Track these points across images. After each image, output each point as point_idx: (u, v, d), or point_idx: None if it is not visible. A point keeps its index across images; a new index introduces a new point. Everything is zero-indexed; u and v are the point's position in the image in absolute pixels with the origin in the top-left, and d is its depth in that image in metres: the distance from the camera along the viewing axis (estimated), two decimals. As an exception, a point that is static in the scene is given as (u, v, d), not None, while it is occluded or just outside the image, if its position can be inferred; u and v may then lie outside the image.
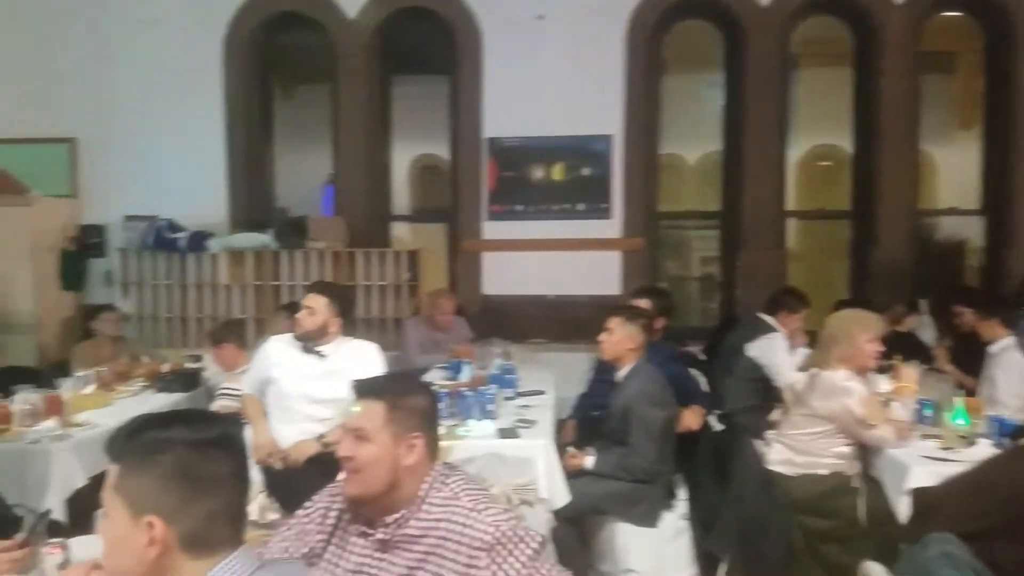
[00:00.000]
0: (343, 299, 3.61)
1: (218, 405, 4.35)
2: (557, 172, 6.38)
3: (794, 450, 3.45)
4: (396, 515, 1.78)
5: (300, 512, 1.92)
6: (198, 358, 5.18)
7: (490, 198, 6.42)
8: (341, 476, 1.92)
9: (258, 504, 3.22)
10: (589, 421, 4.13)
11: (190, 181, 6.38)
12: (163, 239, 6.21)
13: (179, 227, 6.27)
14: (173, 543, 1.23)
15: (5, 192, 6.15)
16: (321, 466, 3.14)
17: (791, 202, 6.70)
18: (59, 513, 3.48)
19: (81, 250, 6.32)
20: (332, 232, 6.27)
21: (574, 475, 3.56)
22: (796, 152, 7.10)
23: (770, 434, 3.63)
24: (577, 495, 3.49)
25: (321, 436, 3.42)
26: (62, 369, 5.13)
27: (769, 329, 4.69)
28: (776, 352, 4.53)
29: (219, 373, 4.71)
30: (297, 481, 3.30)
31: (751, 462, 3.43)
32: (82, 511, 3.52)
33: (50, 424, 3.74)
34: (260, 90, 6.67)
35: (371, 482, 1.78)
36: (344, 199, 6.56)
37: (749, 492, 3.37)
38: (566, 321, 6.08)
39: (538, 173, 6.39)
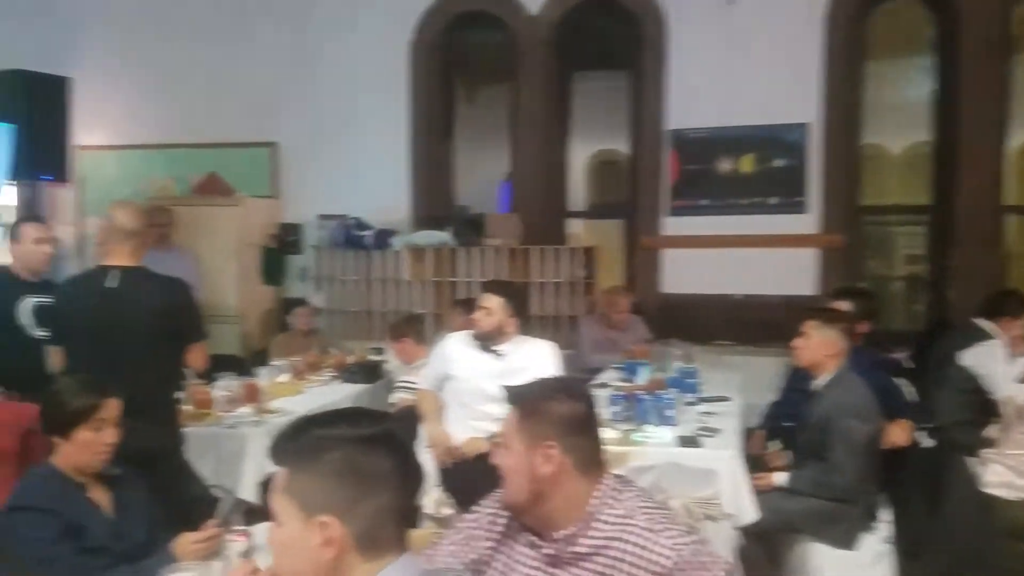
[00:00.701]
0: (518, 298, 3.58)
1: (396, 397, 4.46)
2: (746, 164, 6.04)
3: (1015, 471, 3.11)
4: (565, 531, 1.67)
5: (468, 517, 1.87)
6: (380, 351, 5.35)
7: (672, 192, 6.18)
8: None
9: (433, 498, 3.26)
10: (781, 432, 3.86)
11: (377, 181, 6.62)
12: (352, 237, 6.47)
13: (366, 225, 6.51)
14: (347, 543, 1.20)
15: (216, 193, 6.66)
16: (492, 465, 3.12)
17: (1010, 196, 5.99)
18: (251, 495, 3.67)
19: (280, 247, 6.72)
20: (508, 229, 6.28)
21: (764, 490, 3.32)
22: (1016, 141, 6.34)
23: (987, 453, 3.26)
24: (767, 511, 3.25)
25: (494, 435, 3.40)
26: (262, 358, 5.47)
27: (986, 335, 4.20)
28: (994, 361, 4.01)
29: (399, 366, 4.82)
30: (469, 477, 3.31)
31: (965, 483, 3.14)
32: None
33: (247, 410, 3.96)
34: (442, 91, 6.80)
35: (515, 491, 1.69)
36: (520, 196, 6.56)
37: (962, 517, 3.07)
38: (754, 322, 5.74)
39: (725, 165, 6.08)
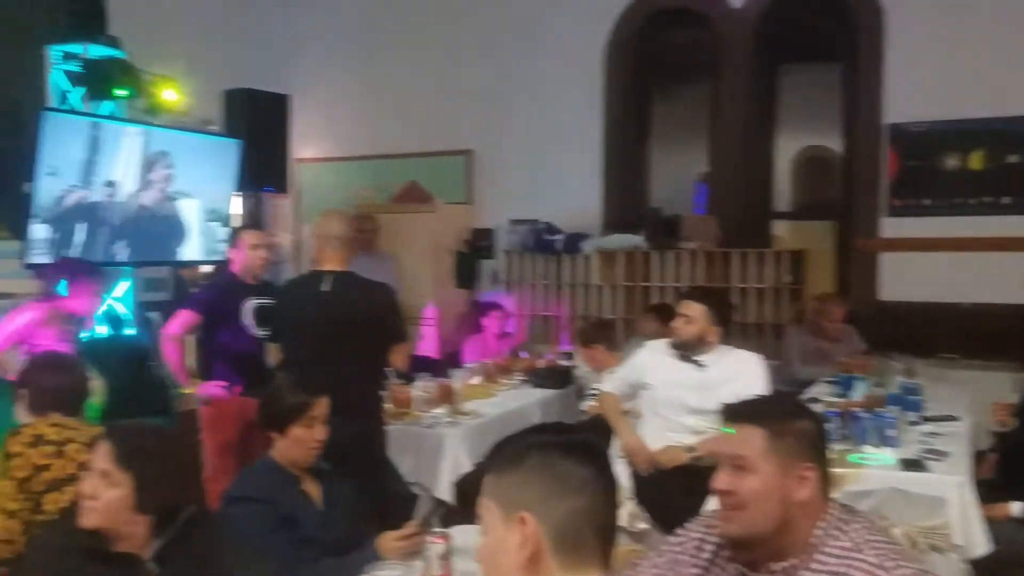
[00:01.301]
0: (722, 307, 3.39)
1: (587, 404, 4.39)
2: (976, 160, 5.44)
3: None
4: (784, 563, 1.52)
5: (672, 540, 1.76)
6: (570, 356, 5.30)
7: (891, 191, 5.68)
8: (712, 506, 1.74)
9: (627, 511, 3.16)
10: (1017, 456, 3.45)
11: (568, 185, 6.60)
12: (542, 241, 6.50)
13: (557, 230, 6.51)
14: (543, 543, 1.19)
15: (415, 201, 6.92)
16: (688, 479, 3.00)
17: None
18: (447, 494, 3.74)
19: (473, 251, 6.86)
20: (704, 231, 6.04)
21: (998, 520, 2.97)
22: None
23: None
24: (1001, 543, 2.91)
25: (692, 448, 3.24)
26: (455, 360, 5.60)
27: None
28: None
29: (589, 372, 4.75)
30: (664, 491, 3.18)
31: None
32: (466, 496, 3.76)
33: (442, 410, 4.04)
34: (637, 91, 6.67)
35: (758, 520, 1.54)
36: (718, 197, 6.30)
37: None
38: (986, 335, 5.14)
39: (951, 162, 5.51)
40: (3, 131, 5.62)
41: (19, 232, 5.07)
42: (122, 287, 5.16)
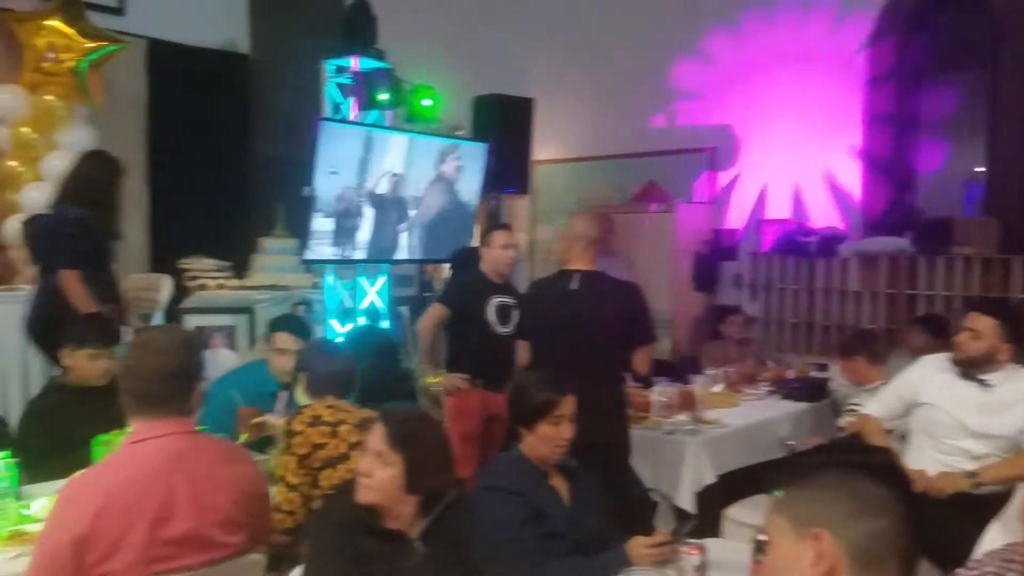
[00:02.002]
0: (1015, 322, 3.01)
1: (845, 421, 4.06)
2: None
3: None
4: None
5: (962, 571, 1.62)
6: (824, 367, 4.95)
7: None
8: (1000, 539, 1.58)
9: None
10: None
11: (823, 183, 6.21)
12: (793, 243, 6.14)
13: (810, 230, 6.13)
14: (841, 562, 1.16)
15: (653, 200, 6.82)
16: (966, 507, 2.71)
17: None
18: (688, 504, 3.63)
19: (714, 253, 6.64)
20: (981, 236, 5.40)
21: None
22: None
23: None
24: None
25: (972, 474, 2.89)
26: (693, 365, 5.43)
27: None
28: None
29: (846, 386, 4.40)
30: (939, 519, 2.87)
31: None
32: (708, 508, 3.62)
33: (683, 418, 3.92)
34: (902, 80, 6.10)
35: None
36: (996, 197, 5.61)
37: None
38: None
39: None
40: (282, 140, 6.29)
41: (297, 231, 5.64)
42: (379, 282, 5.55)
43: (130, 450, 1.95)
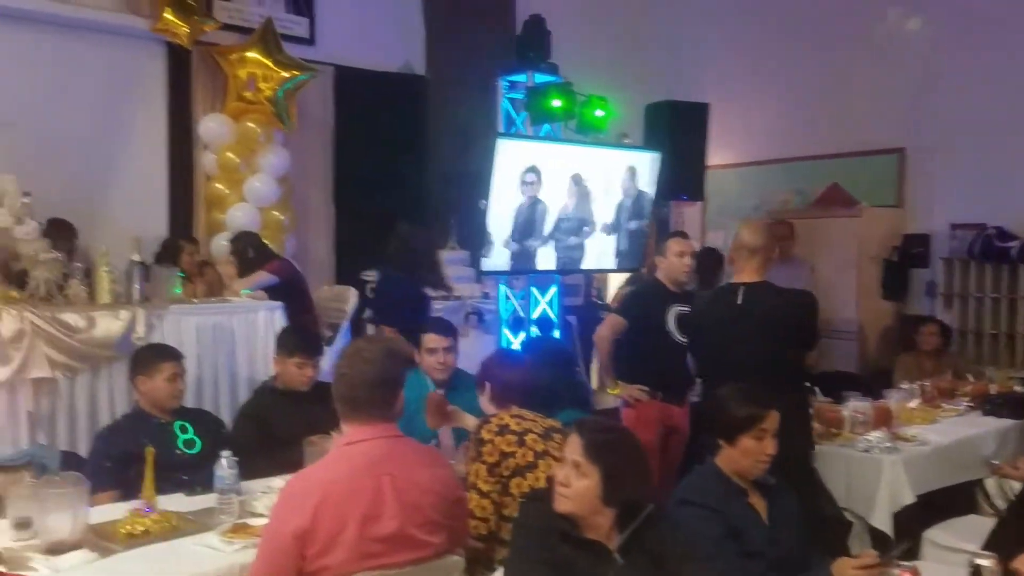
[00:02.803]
0: None
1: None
2: None
3: None
4: None
5: None
6: (1031, 381, 4.54)
7: None
8: None
9: None
10: None
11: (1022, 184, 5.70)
12: (992, 248, 5.68)
13: (1011, 235, 5.65)
14: None
15: (836, 204, 6.50)
16: None
17: None
18: (885, 524, 3.41)
19: (903, 260, 6.24)
20: None
21: None
22: None
23: None
24: None
25: None
26: (883, 378, 5.12)
27: None
28: None
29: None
30: None
31: None
32: (909, 529, 3.39)
33: (879, 434, 3.69)
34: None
35: None
36: None
37: None
38: None
39: None
40: (456, 155, 6.50)
41: (468, 243, 5.81)
42: (551, 292, 5.61)
43: (343, 451, 2.07)
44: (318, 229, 6.63)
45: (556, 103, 4.85)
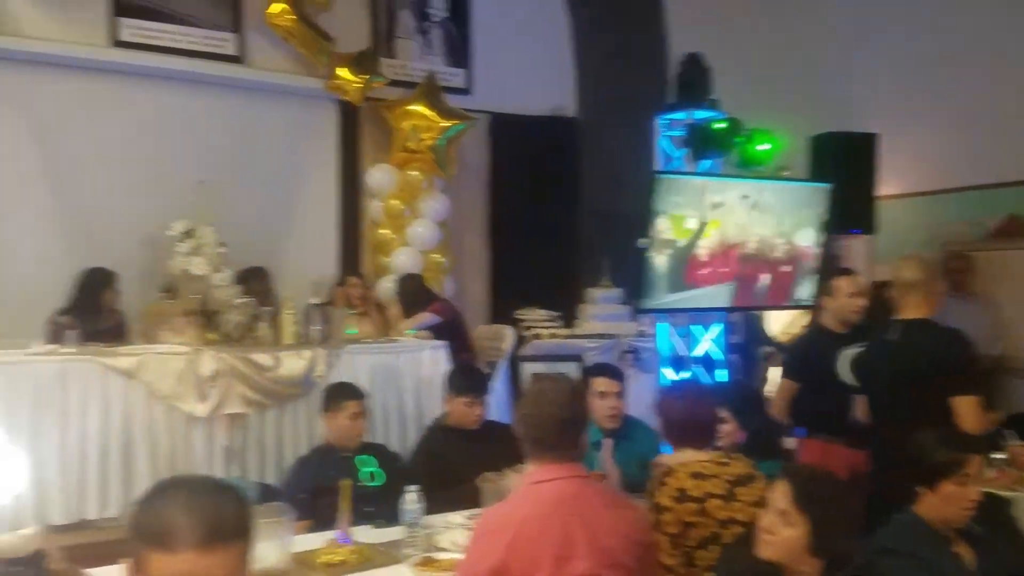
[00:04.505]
0: None
1: None
2: None
3: None
4: None
5: None
6: None
7: None
8: None
9: None
10: None
11: None
12: None
13: None
14: None
15: (1017, 235, 6.05)
16: None
17: None
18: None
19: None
20: None
21: None
22: None
23: None
24: None
25: None
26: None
27: None
28: None
29: None
30: None
31: None
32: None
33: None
34: None
35: None
36: None
37: None
38: None
39: None
40: (609, 195, 6.54)
41: (623, 282, 5.80)
42: (714, 330, 5.49)
43: (530, 490, 2.11)
44: (474, 270, 6.83)
45: (719, 139, 4.80)
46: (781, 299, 5.36)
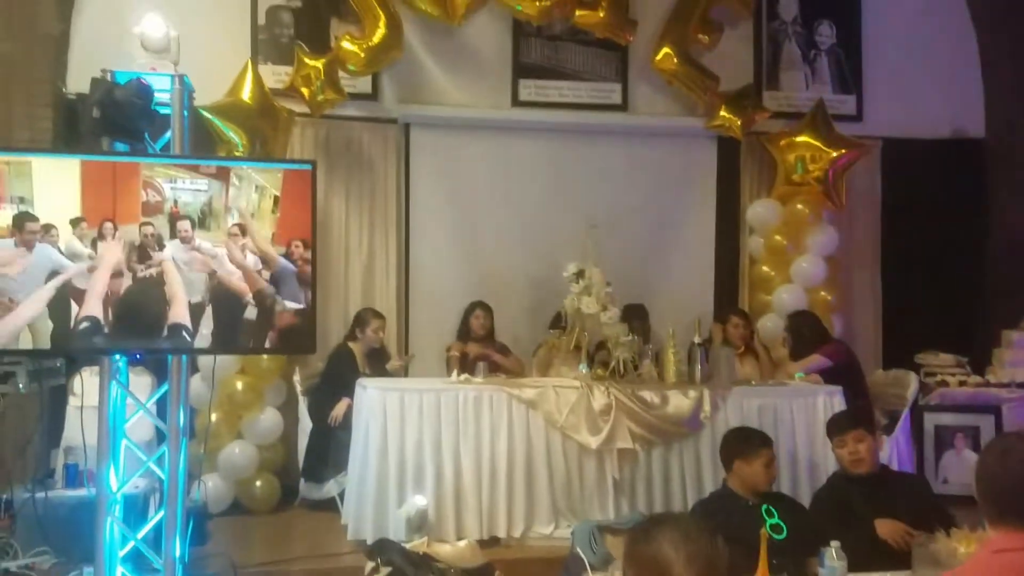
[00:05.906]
0: None
1: None
2: None
3: None
4: None
5: None
6: None
7: None
8: None
9: None
10: None
11: None
12: None
13: None
14: None
15: None
16: None
17: None
18: None
19: None
20: None
21: None
22: None
23: None
24: None
25: None
26: None
27: None
28: None
29: None
30: None
31: None
32: None
33: None
34: None
35: None
36: None
37: None
38: None
39: None
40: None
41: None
42: None
43: (989, 559, 1.85)
44: (864, 308, 6.34)
45: None
46: None
